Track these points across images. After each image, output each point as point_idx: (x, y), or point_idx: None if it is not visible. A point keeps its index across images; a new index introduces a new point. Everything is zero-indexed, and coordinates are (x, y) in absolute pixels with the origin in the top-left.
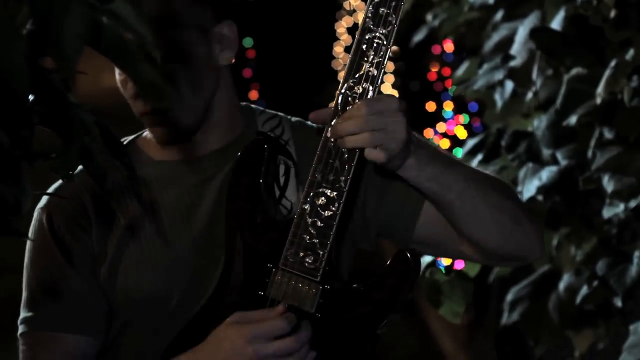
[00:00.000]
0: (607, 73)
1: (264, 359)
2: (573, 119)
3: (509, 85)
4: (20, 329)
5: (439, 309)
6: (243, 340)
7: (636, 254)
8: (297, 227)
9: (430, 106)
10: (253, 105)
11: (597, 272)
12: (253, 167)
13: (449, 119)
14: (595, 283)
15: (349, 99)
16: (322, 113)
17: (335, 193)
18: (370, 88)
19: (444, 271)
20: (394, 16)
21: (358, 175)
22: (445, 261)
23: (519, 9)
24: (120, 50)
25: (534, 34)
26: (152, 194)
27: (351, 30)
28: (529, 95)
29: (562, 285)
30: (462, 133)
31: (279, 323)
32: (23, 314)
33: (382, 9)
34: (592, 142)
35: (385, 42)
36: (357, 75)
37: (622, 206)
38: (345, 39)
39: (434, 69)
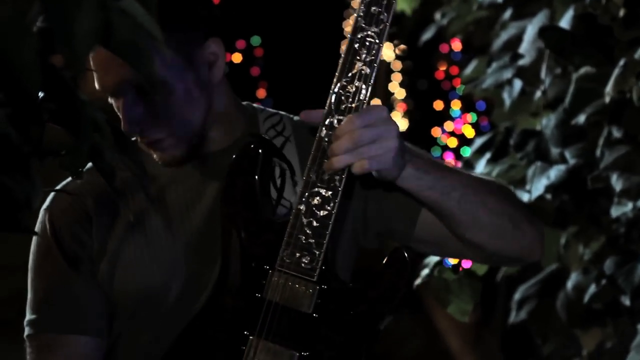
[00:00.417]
0: (615, 72)
1: None
2: (582, 118)
3: (518, 84)
4: (26, 331)
5: (447, 308)
6: None
7: None
8: (292, 228)
9: (438, 105)
10: (255, 105)
11: (605, 271)
12: (247, 169)
13: (456, 117)
14: (603, 282)
15: (342, 97)
16: (313, 113)
17: (330, 192)
18: (363, 87)
19: (452, 270)
20: (385, 14)
21: (352, 174)
22: (452, 260)
23: (528, 7)
24: (130, 49)
25: (542, 32)
26: (155, 192)
27: None
28: (538, 94)
29: (570, 284)
30: (469, 132)
31: None
32: (28, 316)
33: (374, 8)
34: (601, 141)
35: (377, 41)
36: (349, 74)
37: (630, 205)
38: None
39: (442, 68)
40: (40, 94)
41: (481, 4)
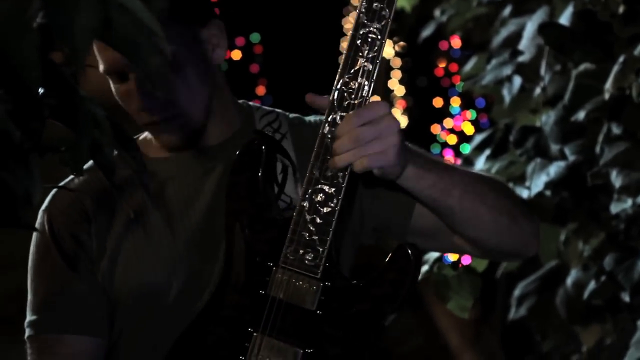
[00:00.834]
0: (615, 69)
1: None
2: (581, 115)
3: (517, 80)
4: (27, 332)
5: (447, 304)
6: None
7: None
8: (296, 225)
9: (438, 102)
10: (250, 103)
11: (604, 267)
12: (251, 166)
13: (456, 114)
14: (602, 278)
15: (345, 94)
16: (318, 98)
17: (333, 189)
18: (366, 83)
19: (451, 266)
20: (387, 10)
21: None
22: (452, 257)
23: (527, 4)
24: (130, 45)
25: (542, 29)
26: (153, 189)
27: None
28: (537, 90)
29: (569, 281)
30: (469, 129)
31: None
32: (29, 317)
33: (376, 4)
34: (600, 138)
35: (379, 37)
36: (352, 71)
37: (630, 201)
38: None
39: (441, 65)
40: (40, 90)
41: (481, 1)
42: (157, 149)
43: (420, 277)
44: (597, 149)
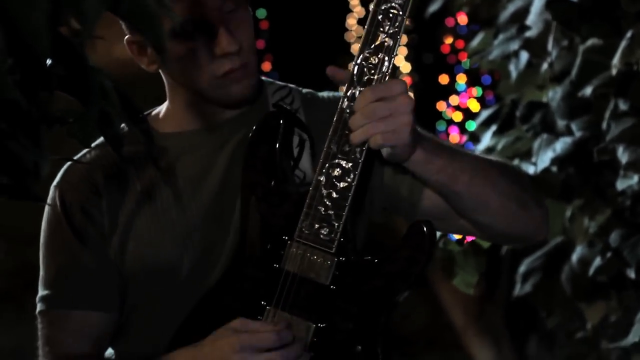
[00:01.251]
0: (622, 44)
1: None
2: (588, 90)
3: (524, 56)
4: (38, 307)
5: (452, 280)
6: (231, 348)
7: None
8: (312, 199)
9: (443, 79)
10: (262, 77)
11: (610, 243)
12: (269, 139)
13: (462, 91)
14: (608, 255)
15: (365, 69)
16: (339, 73)
17: (350, 164)
18: (386, 58)
19: (457, 243)
20: None
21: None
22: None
23: None
24: (140, 15)
25: (549, 4)
26: (165, 163)
27: (364, 3)
28: (544, 66)
29: (575, 257)
30: (475, 106)
31: (270, 336)
32: (40, 292)
33: None
34: (607, 114)
35: (401, 13)
36: (372, 46)
37: (636, 178)
38: (358, 11)
39: (447, 42)
40: (49, 61)
41: None
42: (169, 123)
43: None
44: (604, 125)
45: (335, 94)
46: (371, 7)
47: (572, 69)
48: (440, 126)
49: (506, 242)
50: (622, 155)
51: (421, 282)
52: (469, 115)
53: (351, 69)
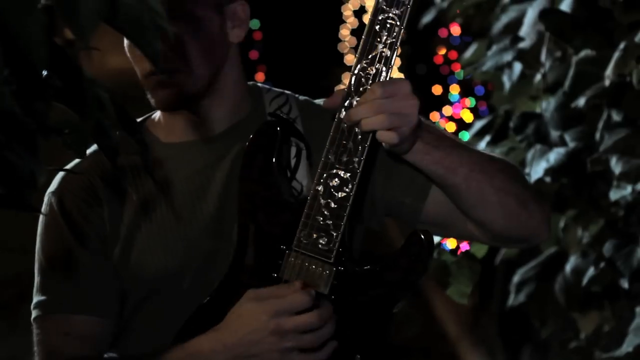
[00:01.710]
0: (615, 55)
1: (286, 334)
2: (581, 101)
3: (518, 67)
4: (34, 313)
5: (446, 290)
6: (266, 315)
7: None
8: (310, 209)
9: (437, 89)
10: (260, 84)
11: (603, 254)
12: (266, 148)
13: (455, 102)
14: (601, 265)
15: (362, 79)
16: (335, 98)
17: (348, 174)
18: (384, 69)
19: (450, 253)
20: None
21: (371, 156)
22: (450, 244)
23: None
24: (135, 27)
25: (543, 15)
26: (164, 174)
27: (357, 13)
28: (538, 77)
29: (568, 267)
30: (468, 116)
31: (300, 297)
32: (36, 298)
33: None
34: (600, 124)
35: (398, 23)
36: (370, 56)
37: (629, 188)
38: (351, 21)
39: (441, 52)
40: (45, 72)
41: None
42: (169, 133)
43: None
44: (597, 135)
45: None
46: (366, 18)
47: (565, 80)
48: None
49: (507, 244)
50: (616, 165)
51: (415, 291)
52: (462, 125)
53: (348, 79)
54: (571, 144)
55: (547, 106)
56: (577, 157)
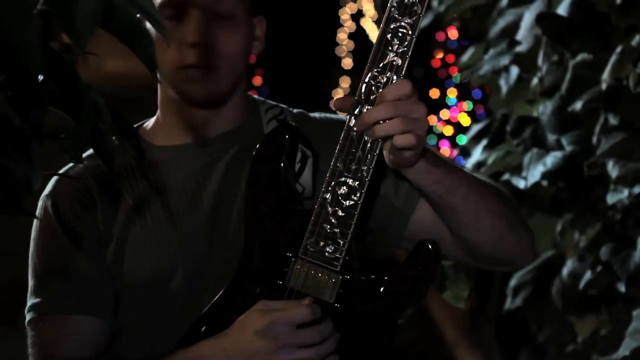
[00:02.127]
0: (612, 59)
1: (285, 348)
2: (578, 105)
3: (515, 70)
4: (28, 316)
5: (442, 294)
6: (266, 326)
7: None
8: (317, 217)
9: (434, 93)
10: (255, 96)
11: (600, 257)
12: (274, 155)
13: (452, 106)
14: (598, 269)
15: (373, 88)
16: (347, 100)
17: (357, 182)
18: (394, 78)
19: None
20: (419, 6)
21: (380, 164)
22: None
23: None
24: (131, 32)
25: (540, 19)
26: (158, 176)
27: (355, 17)
28: (535, 80)
29: (565, 271)
30: (465, 120)
31: (302, 311)
32: (30, 301)
33: None
34: (597, 128)
35: (410, 32)
36: (381, 65)
37: (626, 192)
38: (349, 25)
39: (438, 56)
40: (41, 77)
41: None
42: (164, 137)
43: None
44: (594, 139)
45: (327, 115)
46: (364, 21)
47: (562, 84)
48: (431, 140)
49: (493, 266)
50: (612, 169)
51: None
52: (459, 129)
53: (359, 88)
54: (568, 148)
55: (544, 110)
56: (574, 160)
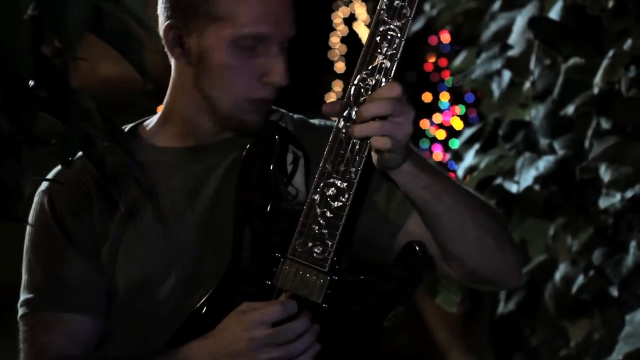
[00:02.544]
0: (604, 63)
1: (262, 347)
2: (570, 109)
3: (507, 74)
4: (21, 311)
5: (435, 299)
6: (241, 327)
7: (632, 243)
8: (306, 217)
9: (427, 97)
10: None
11: (593, 261)
12: (263, 156)
13: (445, 109)
14: (591, 273)
15: (362, 90)
16: (335, 105)
17: (345, 184)
18: (383, 80)
19: None
20: (408, 9)
21: (368, 167)
22: None
23: None
24: (122, 37)
25: (532, 23)
26: (154, 178)
27: (348, 21)
28: (527, 84)
29: (558, 275)
30: (458, 124)
31: (274, 309)
32: (23, 296)
33: (397, 2)
34: (589, 132)
35: (399, 35)
36: (370, 67)
37: (618, 196)
38: (341, 29)
39: (431, 60)
40: (31, 82)
41: None
42: (164, 137)
43: None
44: (586, 143)
45: (327, 122)
46: (356, 25)
47: (555, 88)
48: (424, 144)
49: (477, 284)
50: (605, 173)
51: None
52: (452, 133)
53: (347, 90)
54: (560, 152)
55: (536, 114)
56: (566, 164)
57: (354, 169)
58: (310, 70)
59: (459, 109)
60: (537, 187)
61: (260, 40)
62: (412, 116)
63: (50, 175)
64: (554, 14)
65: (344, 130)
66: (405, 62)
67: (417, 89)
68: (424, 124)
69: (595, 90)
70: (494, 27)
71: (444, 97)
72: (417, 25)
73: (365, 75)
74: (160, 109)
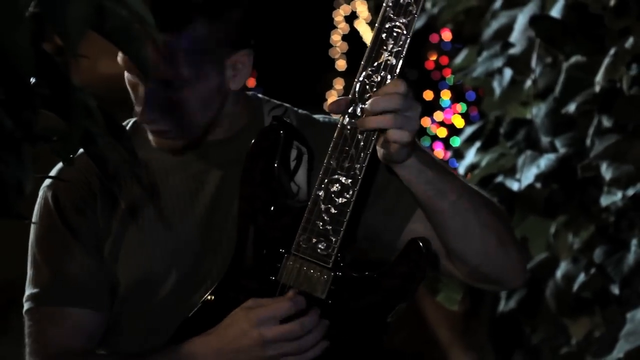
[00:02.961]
0: (606, 61)
1: (268, 343)
2: (572, 107)
3: (508, 73)
4: (26, 305)
5: (436, 296)
6: (250, 323)
7: (633, 241)
8: (310, 213)
9: (428, 95)
10: (259, 95)
11: (594, 259)
12: (268, 152)
13: (446, 107)
14: (592, 271)
15: (367, 87)
16: (340, 102)
17: (350, 180)
18: (389, 77)
19: None
20: (414, 6)
21: (372, 163)
22: None
23: None
24: (123, 35)
25: (533, 21)
26: (155, 177)
27: (349, 19)
28: (528, 83)
29: (559, 273)
30: (459, 122)
31: (283, 305)
32: (28, 291)
33: None
34: (591, 130)
35: (405, 32)
36: (375, 64)
37: (620, 194)
38: (342, 27)
39: (432, 58)
40: (32, 80)
41: None
42: None
43: None
44: (588, 141)
45: (331, 118)
46: (357, 23)
47: (556, 86)
48: (425, 142)
49: (480, 282)
50: (606, 171)
51: (411, 299)
52: (453, 131)
53: (353, 86)
54: (562, 150)
55: (537, 112)
56: (567, 163)
57: (358, 165)
58: (311, 68)
59: (460, 107)
60: (538, 185)
61: (129, 82)
62: (419, 112)
63: (54, 172)
64: (556, 12)
65: (348, 127)
66: (407, 60)
67: (418, 87)
68: (425, 121)
69: (597, 88)
70: (495, 25)
71: (445, 95)
72: (419, 23)
73: (370, 72)
74: None
